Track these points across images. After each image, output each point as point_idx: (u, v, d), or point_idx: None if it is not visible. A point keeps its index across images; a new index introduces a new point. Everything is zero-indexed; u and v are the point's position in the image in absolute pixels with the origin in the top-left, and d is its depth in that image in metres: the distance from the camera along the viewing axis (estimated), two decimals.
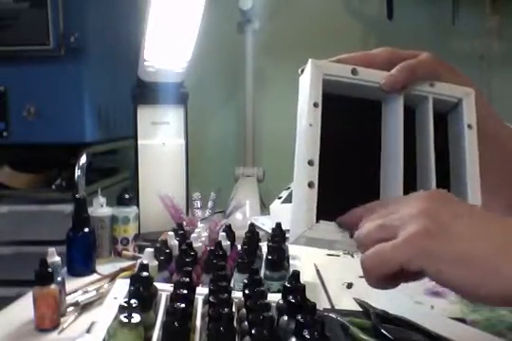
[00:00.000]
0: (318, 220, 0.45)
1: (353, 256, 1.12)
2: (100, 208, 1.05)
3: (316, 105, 0.48)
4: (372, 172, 0.50)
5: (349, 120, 0.52)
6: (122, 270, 0.91)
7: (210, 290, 0.63)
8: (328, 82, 0.50)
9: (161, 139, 1.26)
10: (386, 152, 0.51)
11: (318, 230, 0.45)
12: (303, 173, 0.46)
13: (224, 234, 0.93)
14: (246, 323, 0.56)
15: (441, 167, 0.51)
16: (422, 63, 0.51)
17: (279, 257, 0.81)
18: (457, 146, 0.52)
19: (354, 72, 0.50)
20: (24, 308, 0.76)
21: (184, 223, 1.01)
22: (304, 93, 0.49)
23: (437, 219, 0.39)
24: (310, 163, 0.46)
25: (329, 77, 0.49)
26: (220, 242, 0.83)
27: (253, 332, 0.52)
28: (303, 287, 0.61)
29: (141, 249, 1.04)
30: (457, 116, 0.53)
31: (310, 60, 0.50)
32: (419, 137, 0.52)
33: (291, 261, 0.89)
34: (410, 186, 0.49)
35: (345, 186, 0.49)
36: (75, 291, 0.83)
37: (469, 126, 0.51)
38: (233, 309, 0.60)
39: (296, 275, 0.64)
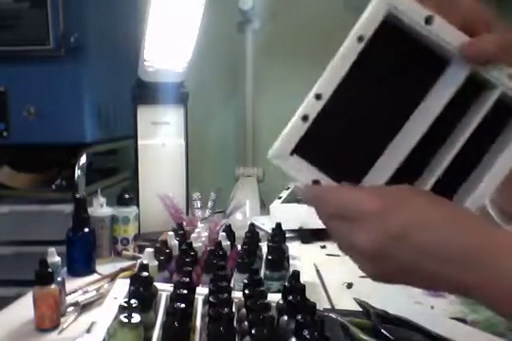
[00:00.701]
0: (295, 154, 0.44)
1: None
2: (100, 208, 1.05)
3: (360, 39, 0.42)
4: (383, 139, 0.45)
5: (401, 68, 0.45)
6: (122, 270, 0.91)
7: (210, 290, 0.63)
8: (395, 18, 0.42)
9: (161, 139, 1.26)
10: (412, 123, 0.45)
11: (287, 162, 0.44)
12: (305, 105, 0.43)
13: (224, 234, 0.93)
14: (246, 323, 0.56)
15: (464, 160, 0.45)
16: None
17: (279, 257, 0.81)
18: (499, 148, 0.46)
19: (428, 21, 0.42)
20: (24, 308, 0.76)
21: (184, 223, 1.01)
22: (359, 20, 0.42)
23: (381, 266, 0.41)
24: (317, 97, 0.43)
25: (396, 12, 0.42)
26: (220, 242, 0.83)
27: (253, 331, 0.52)
28: (303, 287, 0.61)
29: (141, 249, 1.04)
30: None
31: None
32: (462, 123, 0.46)
33: (291, 261, 0.89)
34: (410, 172, 0.45)
35: (348, 139, 0.45)
36: (75, 291, 0.83)
37: None
38: (233, 309, 0.60)
39: (296, 275, 0.64)
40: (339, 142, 0.45)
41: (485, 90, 0.46)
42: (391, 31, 0.43)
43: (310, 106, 0.43)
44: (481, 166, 0.47)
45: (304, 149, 0.44)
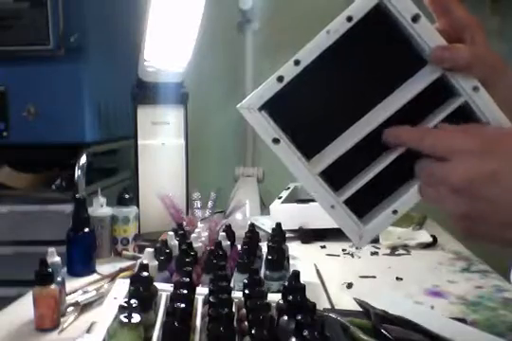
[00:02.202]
0: (263, 110, 0.46)
1: (353, 256, 1.12)
2: (100, 208, 1.06)
3: (349, 19, 0.44)
4: (348, 118, 0.48)
5: (382, 53, 0.47)
6: (122, 270, 0.91)
7: (210, 290, 0.63)
8: (384, 9, 0.45)
9: (161, 139, 1.26)
10: (377, 110, 0.48)
11: (253, 115, 0.46)
12: (283, 68, 0.46)
13: (224, 234, 0.93)
14: (246, 323, 0.56)
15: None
16: (485, 58, 0.46)
17: (279, 257, 0.81)
18: None
19: (415, 18, 0.44)
20: (24, 308, 0.76)
21: (184, 223, 1.01)
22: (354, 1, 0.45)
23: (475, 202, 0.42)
24: (296, 62, 0.46)
25: (388, 3, 0.44)
26: (220, 242, 0.83)
27: (253, 331, 0.52)
28: (303, 287, 0.61)
29: (141, 249, 1.04)
30: None
31: None
32: (425, 121, 0.48)
33: (291, 261, 0.89)
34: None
35: (316, 109, 0.48)
36: (75, 291, 0.83)
37: None
38: (233, 309, 0.60)
39: (296, 275, 0.64)
40: (307, 109, 0.48)
41: (451, 97, 0.48)
42: (379, 19, 0.45)
43: (287, 70, 0.46)
44: None
45: (273, 107, 0.47)
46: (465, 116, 0.48)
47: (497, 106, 0.47)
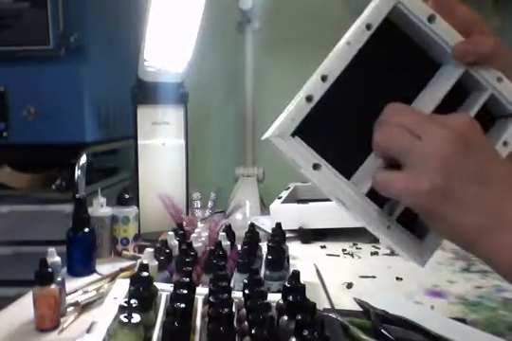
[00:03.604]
0: (295, 135, 0.43)
1: (353, 256, 1.12)
2: (100, 208, 1.06)
3: (368, 27, 0.43)
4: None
5: (396, 63, 0.46)
6: (122, 270, 0.91)
7: (210, 290, 0.63)
8: (399, 13, 0.44)
9: (161, 139, 1.26)
10: None
11: (287, 143, 0.42)
12: (310, 85, 0.42)
13: (224, 234, 0.93)
14: (246, 323, 0.56)
15: None
16: (504, 48, 0.46)
17: (279, 257, 0.81)
18: None
19: (431, 19, 0.44)
20: (24, 308, 0.76)
21: (184, 223, 1.01)
22: (366, 10, 0.44)
23: (450, 180, 0.41)
24: (323, 78, 0.42)
25: (402, 7, 0.43)
26: (220, 242, 0.83)
27: (253, 332, 0.52)
28: (303, 287, 0.61)
29: (141, 249, 1.04)
30: (501, 125, 0.48)
31: None
32: None
33: (291, 261, 0.89)
34: None
35: (348, 126, 0.45)
36: (75, 291, 0.83)
37: (505, 143, 0.47)
38: (233, 309, 0.60)
39: (296, 275, 0.64)
40: (338, 126, 0.45)
41: (475, 91, 0.47)
42: (396, 24, 0.44)
43: (315, 87, 0.42)
44: None
45: (305, 131, 0.43)
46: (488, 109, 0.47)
47: None
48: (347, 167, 0.45)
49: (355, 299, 0.80)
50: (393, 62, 0.46)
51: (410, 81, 0.47)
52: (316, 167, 0.43)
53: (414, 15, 0.44)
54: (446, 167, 0.41)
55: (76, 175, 1.37)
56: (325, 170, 0.44)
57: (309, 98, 0.42)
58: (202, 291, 0.67)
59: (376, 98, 0.45)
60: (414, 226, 0.48)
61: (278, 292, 0.67)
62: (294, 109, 0.42)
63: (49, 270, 0.71)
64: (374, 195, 0.45)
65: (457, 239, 0.44)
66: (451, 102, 0.47)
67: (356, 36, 0.43)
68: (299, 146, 0.43)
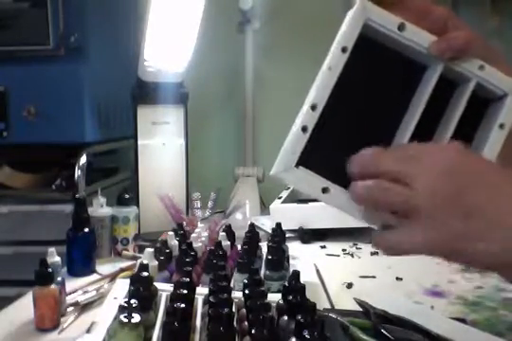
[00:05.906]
0: (299, 165, 0.44)
1: (353, 256, 1.12)
2: (100, 208, 1.06)
3: (344, 50, 0.44)
4: (380, 142, 0.46)
5: (383, 75, 0.47)
6: (122, 270, 0.91)
7: (210, 290, 0.63)
8: (370, 29, 0.45)
9: (161, 139, 1.26)
10: (404, 123, 0.47)
11: (293, 175, 0.44)
12: (302, 116, 0.44)
13: (224, 234, 0.93)
14: (246, 323, 0.56)
15: None
16: (478, 40, 0.47)
17: (279, 257, 0.81)
18: (481, 138, 0.49)
19: (401, 28, 0.45)
20: (24, 308, 0.76)
21: (184, 223, 1.01)
22: (339, 33, 0.45)
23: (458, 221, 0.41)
24: (313, 107, 0.44)
25: (372, 23, 0.45)
26: (220, 242, 0.83)
27: (253, 332, 0.52)
28: (303, 287, 0.61)
29: (141, 249, 1.04)
30: (495, 110, 0.49)
31: None
32: (446, 117, 0.48)
33: (291, 261, 0.89)
34: None
35: (348, 145, 0.46)
36: (75, 291, 0.83)
37: (501, 125, 0.48)
38: (233, 309, 0.60)
39: (296, 275, 0.64)
40: (340, 149, 0.46)
41: (462, 83, 0.48)
42: (370, 41, 0.46)
43: (307, 117, 0.44)
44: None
45: (308, 159, 0.44)
46: (480, 101, 0.48)
47: (506, 76, 0.48)
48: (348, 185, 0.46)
49: (355, 299, 0.80)
50: (380, 74, 0.47)
51: (401, 89, 0.48)
52: (325, 190, 0.45)
53: (385, 28, 0.45)
54: (447, 210, 0.41)
55: (76, 175, 1.37)
56: (334, 191, 0.45)
57: (304, 129, 0.44)
58: (202, 291, 0.67)
59: (371, 113, 0.47)
60: None
61: (278, 292, 0.67)
62: (293, 141, 0.44)
63: (49, 270, 0.71)
64: None
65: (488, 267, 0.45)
66: (443, 98, 0.48)
67: (335, 60, 0.44)
68: (305, 174, 0.44)
